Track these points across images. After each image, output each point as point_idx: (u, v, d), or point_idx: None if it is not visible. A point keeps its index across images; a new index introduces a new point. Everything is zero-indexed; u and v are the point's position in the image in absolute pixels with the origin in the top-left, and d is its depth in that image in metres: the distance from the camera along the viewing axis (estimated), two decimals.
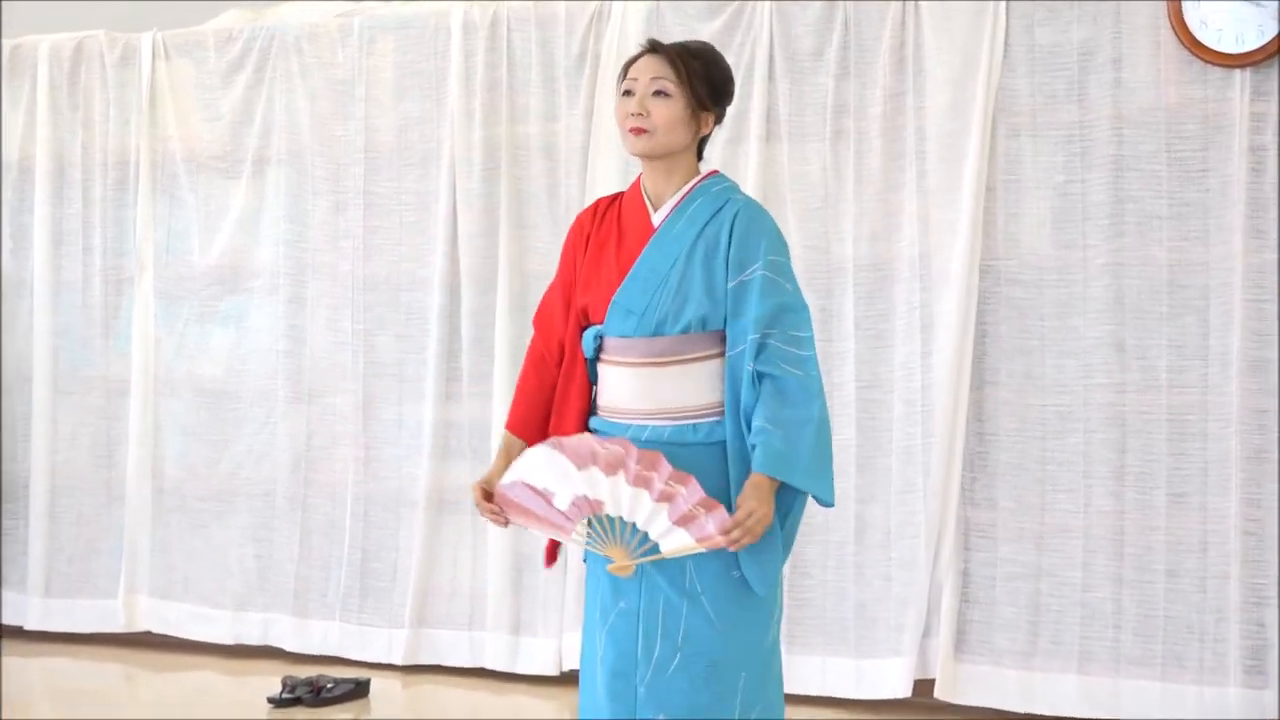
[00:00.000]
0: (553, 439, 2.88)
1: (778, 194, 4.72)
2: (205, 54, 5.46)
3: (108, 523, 5.60)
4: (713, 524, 2.74)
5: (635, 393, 2.92)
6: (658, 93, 2.92)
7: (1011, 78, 4.52)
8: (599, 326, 2.96)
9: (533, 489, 2.84)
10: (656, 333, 2.90)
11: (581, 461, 2.79)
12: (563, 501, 2.82)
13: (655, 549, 2.78)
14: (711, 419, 2.91)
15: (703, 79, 2.95)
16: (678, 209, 2.95)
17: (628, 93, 2.95)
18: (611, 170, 4.83)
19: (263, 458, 5.38)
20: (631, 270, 2.94)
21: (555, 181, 5.05)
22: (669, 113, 2.92)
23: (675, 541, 2.76)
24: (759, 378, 2.85)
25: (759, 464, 2.80)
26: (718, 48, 3.06)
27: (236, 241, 5.44)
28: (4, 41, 5.67)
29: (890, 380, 4.64)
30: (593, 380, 3.01)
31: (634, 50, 3.05)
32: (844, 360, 4.66)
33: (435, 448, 5.14)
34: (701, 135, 3.01)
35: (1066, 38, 4.47)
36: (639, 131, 2.93)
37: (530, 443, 2.95)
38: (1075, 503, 4.45)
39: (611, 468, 2.77)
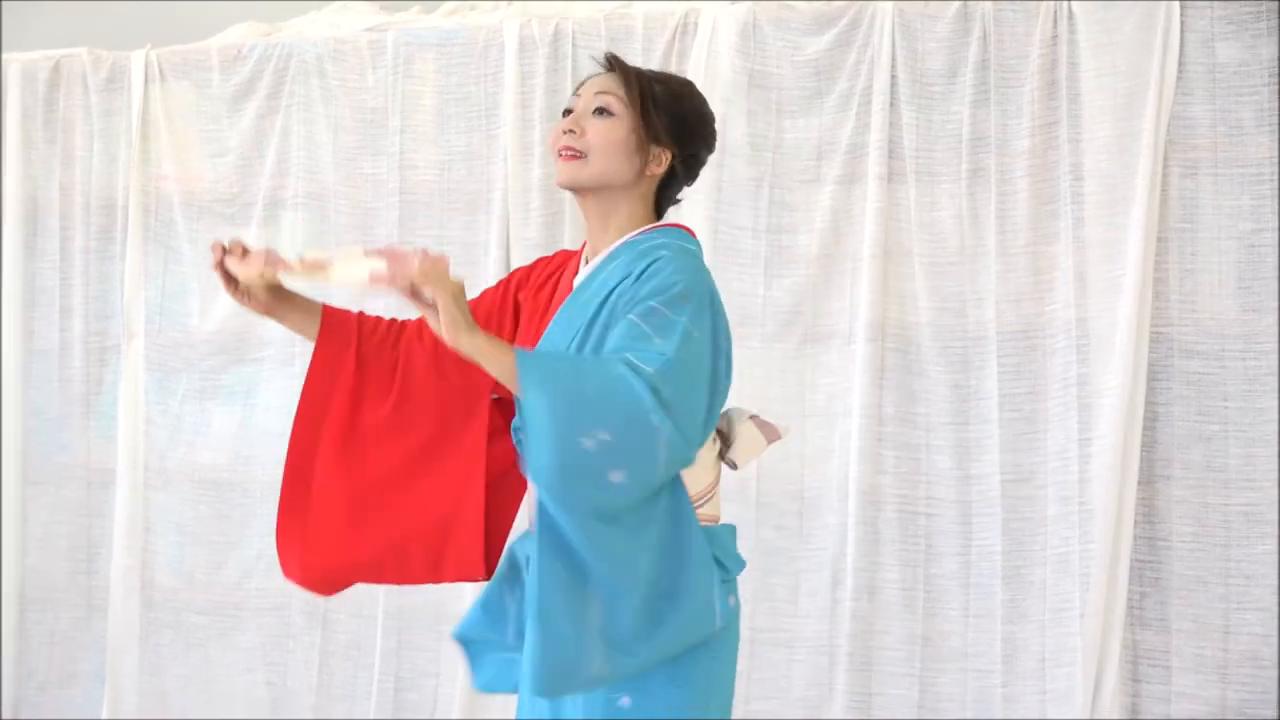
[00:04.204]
0: None
1: (901, 246, 4.66)
2: (208, 76, 5.41)
3: (87, 641, 5.51)
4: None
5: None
6: (599, 110, 2.82)
7: (1187, 104, 4.48)
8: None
9: None
10: None
11: None
12: None
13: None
14: None
15: (663, 106, 2.83)
16: (599, 266, 2.82)
17: (567, 112, 2.87)
18: (699, 214, 4.73)
19: (275, 563, 5.00)
20: (538, 346, 2.84)
21: None
22: (606, 133, 2.80)
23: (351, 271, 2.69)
24: None
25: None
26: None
27: None
28: None
29: (1042, 473, 4.57)
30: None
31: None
32: (985, 449, 4.60)
33: None
34: (652, 174, 2.86)
35: (1254, 54, 4.43)
36: (569, 156, 2.80)
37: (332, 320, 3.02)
38: (1267, 625, 4.37)
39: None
